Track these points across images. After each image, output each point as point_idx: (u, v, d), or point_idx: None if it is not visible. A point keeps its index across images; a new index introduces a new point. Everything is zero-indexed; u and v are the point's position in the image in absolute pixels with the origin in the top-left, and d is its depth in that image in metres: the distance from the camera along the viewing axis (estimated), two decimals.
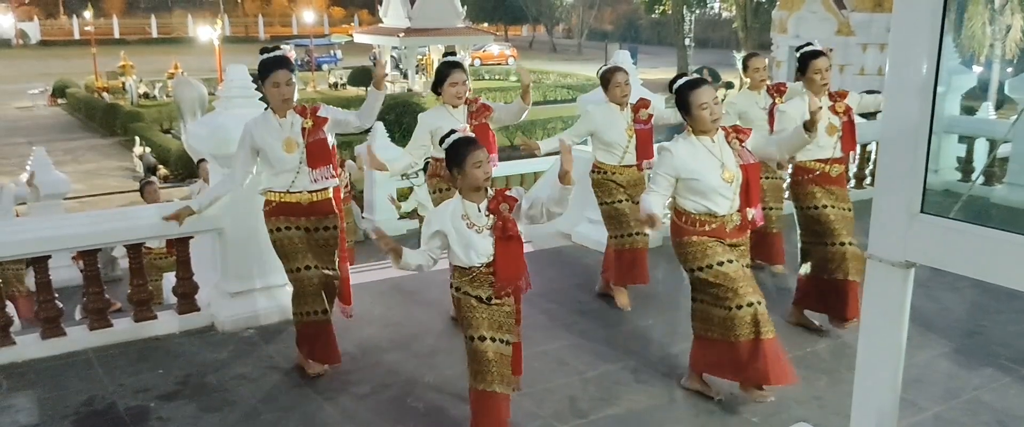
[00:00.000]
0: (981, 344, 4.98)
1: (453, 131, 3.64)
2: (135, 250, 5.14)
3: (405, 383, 4.53)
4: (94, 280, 5.04)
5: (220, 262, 5.35)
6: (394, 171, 5.34)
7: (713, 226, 3.98)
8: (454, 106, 5.05)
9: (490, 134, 5.05)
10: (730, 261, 3.98)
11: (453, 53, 5.35)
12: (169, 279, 6.90)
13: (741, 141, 4.02)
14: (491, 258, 3.51)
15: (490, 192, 3.55)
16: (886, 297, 2.28)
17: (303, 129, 4.35)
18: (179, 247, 5.25)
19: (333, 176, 4.48)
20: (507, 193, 3.52)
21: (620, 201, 5.44)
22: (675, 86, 4.02)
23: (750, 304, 3.94)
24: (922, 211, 2.16)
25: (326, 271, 4.53)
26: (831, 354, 4.85)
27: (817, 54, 4.94)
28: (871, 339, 2.37)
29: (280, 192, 4.40)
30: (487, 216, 3.51)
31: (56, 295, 4.98)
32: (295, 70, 4.45)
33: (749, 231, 4.14)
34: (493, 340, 3.58)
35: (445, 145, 3.56)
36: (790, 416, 4.08)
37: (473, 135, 3.70)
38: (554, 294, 5.86)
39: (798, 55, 5.01)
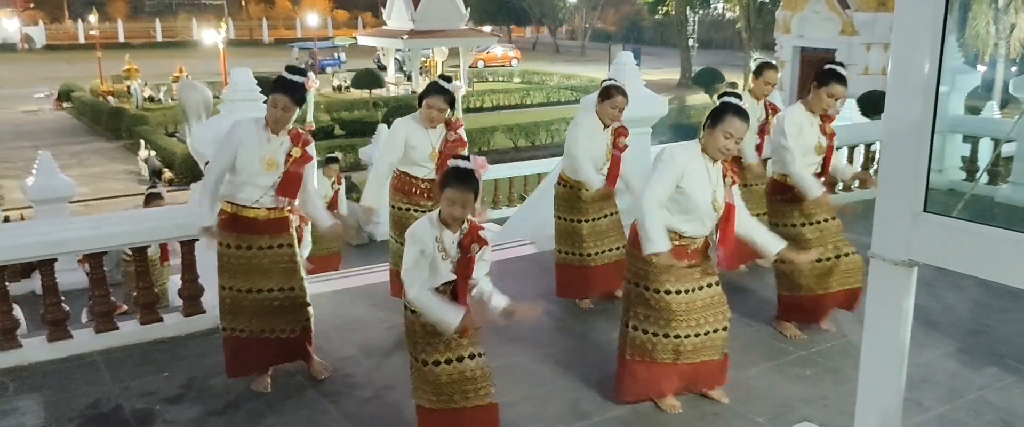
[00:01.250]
0: (985, 343, 4.97)
1: (469, 157, 3.48)
2: (140, 253, 5.16)
3: (408, 386, 4.50)
4: (100, 283, 5.06)
5: None
6: (378, 200, 5.32)
7: (677, 244, 3.88)
8: (428, 126, 5.04)
9: None
10: (678, 291, 3.94)
11: (448, 78, 5.21)
12: (175, 281, 6.92)
13: (734, 181, 3.95)
14: (445, 283, 3.44)
15: (466, 225, 3.42)
16: (889, 296, 2.28)
17: (289, 155, 4.24)
18: (184, 250, 5.27)
19: (292, 208, 4.39)
20: (481, 233, 3.43)
21: (579, 221, 5.37)
22: (723, 99, 3.86)
23: (676, 336, 3.98)
24: (925, 210, 2.16)
25: (278, 291, 4.38)
26: (836, 354, 4.85)
27: (842, 78, 4.81)
28: (875, 338, 2.37)
29: (240, 204, 4.26)
30: (457, 249, 3.41)
31: (62, 298, 5.00)
32: (303, 102, 4.27)
33: (709, 254, 4.06)
34: (446, 362, 3.50)
35: (450, 163, 3.42)
36: (795, 415, 4.08)
37: (481, 164, 3.44)
38: (554, 297, 5.86)
39: (826, 67, 4.86)
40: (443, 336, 3.46)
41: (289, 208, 4.40)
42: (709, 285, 4.04)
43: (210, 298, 5.37)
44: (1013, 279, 2.04)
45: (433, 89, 5.03)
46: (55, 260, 4.92)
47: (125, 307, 6.86)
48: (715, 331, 4.05)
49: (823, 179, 4.99)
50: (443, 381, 3.50)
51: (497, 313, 3.51)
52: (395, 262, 5.24)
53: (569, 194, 5.40)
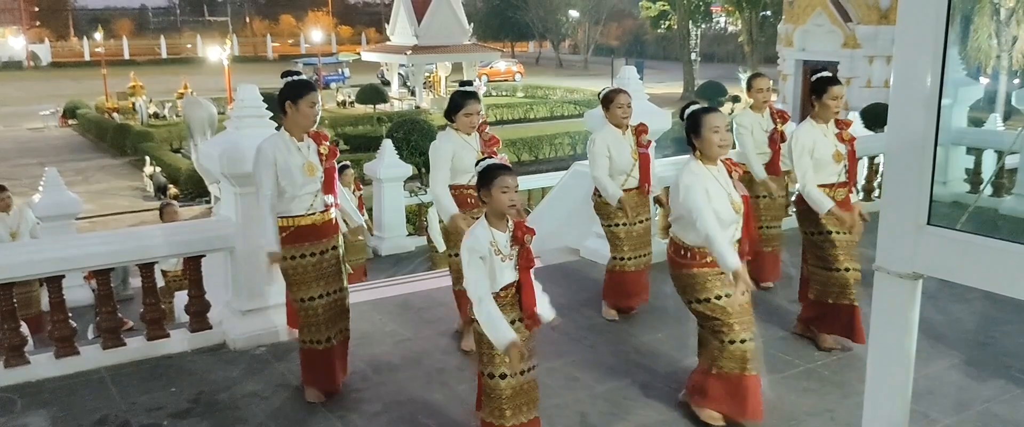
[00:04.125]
0: (992, 355, 4.96)
1: (487, 157, 3.67)
2: (148, 269, 5.18)
3: (416, 401, 4.54)
4: (107, 299, 5.08)
5: (231, 280, 5.38)
6: (445, 211, 5.12)
7: (712, 258, 3.92)
8: (468, 134, 5.08)
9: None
10: (728, 295, 3.96)
11: (469, 83, 5.36)
12: (181, 297, 6.94)
13: (739, 176, 4.04)
14: (508, 284, 3.53)
15: (510, 223, 3.55)
16: (894, 309, 2.29)
17: (320, 154, 4.40)
18: (191, 266, 5.29)
19: (333, 204, 4.53)
20: (527, 225, 3.56)
21: (616, 225, 5.47)
22: (688, 111, 4.01)
23: (742, 341, 3.96)
24: (929, 223, 2.17)
25: (334, 294, 4.52)
26: (842, 367, 4.84)
27: (835, 80, 4.95)
28: (880, 351, 2.38)
29: (296, 216, 4.39)
30: (513, 246, 3.53)
31: (70, 314, 5.02)
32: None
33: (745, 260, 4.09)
34: (512, 376, 3.60)
35: (479, 167, 3.57)
36: None
37: (507, 162, 3.66)
38: (563, 309, 5.83)
39: (814, 79, 5.01)
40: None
41: (334, 207, 4.55)
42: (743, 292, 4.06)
43: (216, 313, 5.40)
44: (1017, 291, 2.05)
45: (466, 97, 5.08)
46: (63, 277, 4.95)
47: (131, 323, 6.87)
48: (752, 339, 4.04)
49: (850, 187, 5.03)
50: (507, 395, 3.60)
51: (546, 321, 3.64)
52: (457, 281, 5.14)
53: (603, 203, 5.50)
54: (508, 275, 3.52)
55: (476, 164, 3.66)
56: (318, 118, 4.41)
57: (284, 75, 4.42)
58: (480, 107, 5.10)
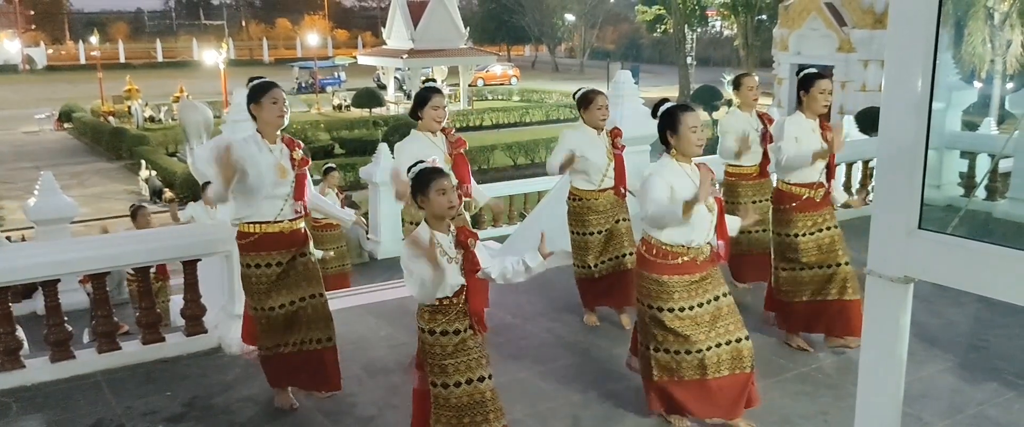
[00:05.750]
0: (985, 358, 4.99)
1: (421, 161, 3.60)
2: (143, 273, 5.18)
3: (410, 405, 4.53)
4: (102, 303, 5.08)
5: (227, 285, 5.38)
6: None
7: (685, 259, 3.94)
8: (433, 132, 5.04)
9: (466, 165, 5.07)
10: (691, 307, 3.96)
11: (433, 80, 5.37)
12: (177, 301, 6.94)
13: (712, 174, 3.97)
14: (458, 288, 3.49)
15: (452, 228, 3.52)
16: (886, 312, 2.30)
17: (292, 159, 4.32)
18: (187, 270, 5.29)
19: (303, 213, 4.44)
20: (469, 229, 3.56)
21: (591, 233, 5.45)
22: (662, 108, 4.02)
23: (698, 350, 3.97)
24: (920, 227, 2.19)
25: (307, 299, 4.41)
26: (836, 370, 4.86)
27: (821, 75, 5.02)
28: (872, 354, 2.39)
29: (264, 222, 4.27)
30: (457, 249, 3.49)
31: (65, 318, 5.01)
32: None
33: (718, 262, 4.09)
34: (467, 382, 3.52)
35: (411, 174, 3.52)
36: None
37: (439, 166, 3.62)
38: (556, 313, 5.89)
39: (801, 76, 5.08)
40: (462, 356, 3.50)
41: (303, 216, 4.46)
42: (718, 297, 4.05)
43: (212, 318, 5.40)
44: (1008, 295, 2.06)
45: (431, 91, 5.06)
46: (58, 281, 4.95)
47: (127, 327, 6.87)
48: (738, 340, 4.02)
49: (829, 184, 5.06)
50: (465, 402, 3.51)
51: (536, 263, 3.55)
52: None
53: (579, 208, 5.49)
54: (455, 278, 3.47)
55: (408, 171, 3.57)
56: (285, 116, 4.28)
57: (249, 81, 4.36)
58: (444, 101, 5.07)
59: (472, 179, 5.15)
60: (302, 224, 4.45)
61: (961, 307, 5.71)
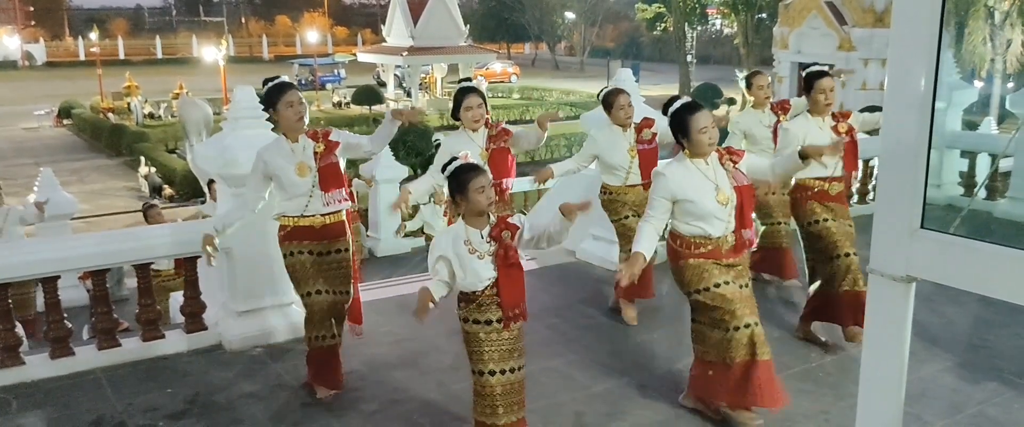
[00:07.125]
0: (985, 358, 4.99)
1: (454, 158, 3.65)
2: (143, 270, 5.18)
3: (413, 400, 4.55)
4: (102, 300, 5.08)
5: (228, 281, 5.38)
6: (418, 194, 5.30)
7: (708, 248, 3.99)
8: (473, 130, 5.11)
9: (509, 157, 5.14)
10: (726, 282, 3.99)
11: (469, 79, 5.46)
12: (176, 298, 6.93)
13: (734, 162, 4.04)
14: (491, 282, 3.53)
15: (492, 218, 3.57)
16: (888, 312, 2.30)
17: (315, 153, 4.40)
18: (187, 267, 5.29)
19: (345, 199, 4.54)
20: (509, 221, 3.55)
21: (627, 217, 5.49)
22: (671, 109, 4.03)
23: (747, 325, 3.96)
24: (922, 226, 2.19)
25: (338, 294, 4.55)
26: (837, 369, 4.86)
27: (823, 74, 5.03)
28: (874, 353, 2.39)
29: (294, 216, 4.44)
30: (489, 242, 3.53)
31: (65, 315, 5.01)
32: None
33: (746, 251, 4.13)
34: (502, 372, 3.63)
35: (447, 172, 3.57)
36: None
37: (474, 162, 3.70)
38: (559, 310, 5.89)
39: (804, 74, 5.09)
40: (474, 344, 3.61)
41: (345, 209, 4.56)
42: (742, 286, 4.07)
43: (212, 315, 5.40)
44: (1010, 295, 2.06)
45: (465, 91, 5.14)
46: (58, 277, 4.94)
47: (127, 324, 6.86)
48: (758, 324, 4.04)
49: (848, 179, 5.12)
50: (499, 392, 3.63)
51: (565, 221, 3.52)
52: None
53: (609, 200, 5.57)
54: (486, 272, 3.52)
55: (443, 169, 3.62)
56: (304, 115, 4.40)
57: (265, 82, 4.47)
58: (480, 101, 5.12)
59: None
60: (341, 217, 4.54)
61: (961, 306, 5.71)
